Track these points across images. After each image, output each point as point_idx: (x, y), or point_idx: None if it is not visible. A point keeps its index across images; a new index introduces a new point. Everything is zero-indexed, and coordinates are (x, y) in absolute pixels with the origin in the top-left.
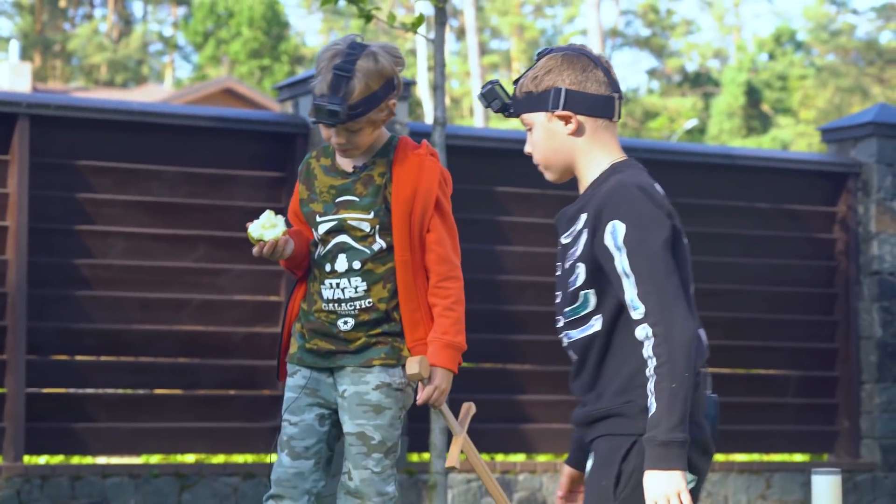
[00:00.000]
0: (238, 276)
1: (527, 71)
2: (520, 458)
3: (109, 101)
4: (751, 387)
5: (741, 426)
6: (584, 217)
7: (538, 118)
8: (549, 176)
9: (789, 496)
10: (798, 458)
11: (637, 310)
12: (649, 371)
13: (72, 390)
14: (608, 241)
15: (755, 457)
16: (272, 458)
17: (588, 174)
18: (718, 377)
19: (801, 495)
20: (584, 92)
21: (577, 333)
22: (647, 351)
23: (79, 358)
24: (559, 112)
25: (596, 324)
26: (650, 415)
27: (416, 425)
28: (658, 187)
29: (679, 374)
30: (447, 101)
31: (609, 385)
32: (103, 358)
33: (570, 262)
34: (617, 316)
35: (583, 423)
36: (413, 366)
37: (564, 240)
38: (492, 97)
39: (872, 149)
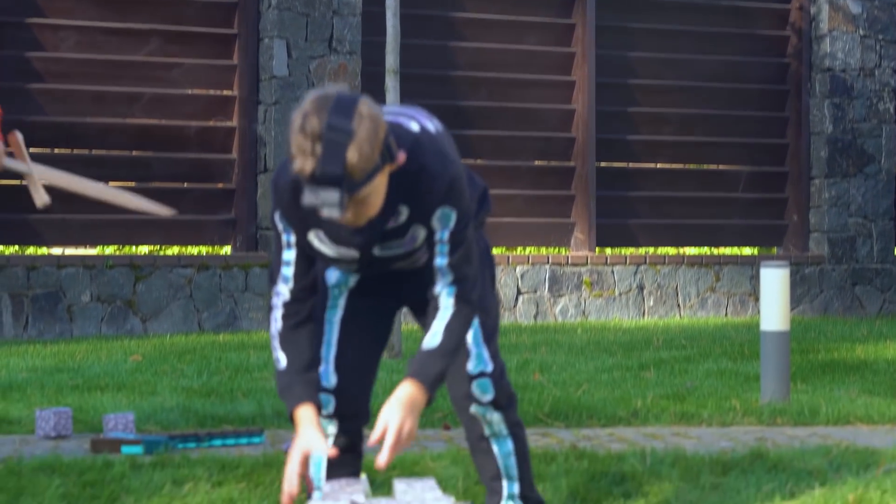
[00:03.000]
0: (191, 70)
1: (332, 151)
2: None
3: None
4: (702, 182)
5: (692, 220)
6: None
7: (379, 180)
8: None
9: (738, 288)
10: (747, 251)
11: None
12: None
13: (25, 182)
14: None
15: (705, 250)
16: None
17: None
18: (670, 173)
19: (749, 287)
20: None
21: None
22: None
23: (32, 150)
24: (400, 156)
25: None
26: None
27: None
28: None
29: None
30: None
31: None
32: (57, 150)
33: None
34: None
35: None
36: None
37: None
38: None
39: None
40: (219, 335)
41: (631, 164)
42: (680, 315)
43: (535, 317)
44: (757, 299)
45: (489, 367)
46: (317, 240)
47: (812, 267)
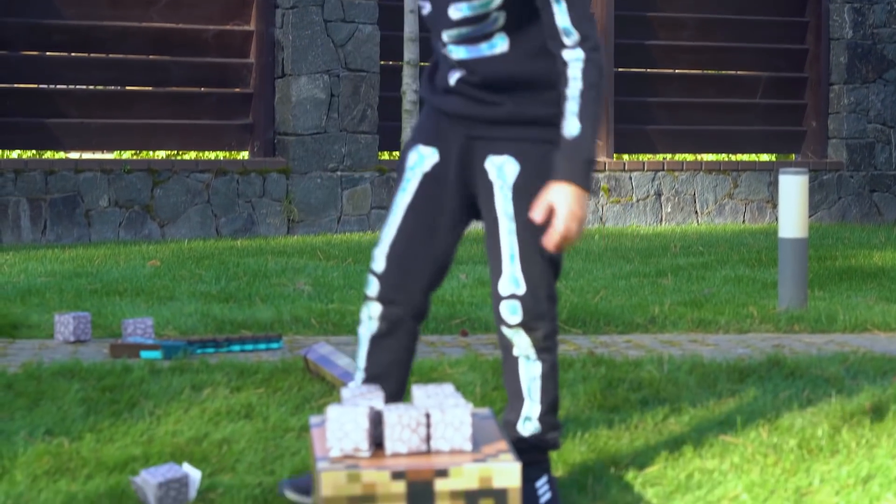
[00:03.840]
0: None
1: None
2: None
3: None
4: (720, 87)
5: (710, 126)
6: None
7: None
8: None
9: (756, 195)
10: (765, 157)
11: (571, 35)
12: (571, 91)
13: (43, 86)
14: None
15: (723, 157)
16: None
17: None
18: (689, 78)
19: (767, 194)
20: None
21: (477, 52)
22: (575, 72)
23: (49, 54)
24: None
25: (501, 43)
26: (572, 132)
27: (387, 124)
28: None
29: (602, 99)
30: None
31: (528, 94)
32: (74, 54)
33: None
34: (525, 37)
35: (497, 121)
36: None
37: None
38: None
39: None
40: (236, 240)
41: (649, 70)
42: (697, 222)
43: None
44: (774, 206)
45: (520, 290)
46: None
47: (830, 173)
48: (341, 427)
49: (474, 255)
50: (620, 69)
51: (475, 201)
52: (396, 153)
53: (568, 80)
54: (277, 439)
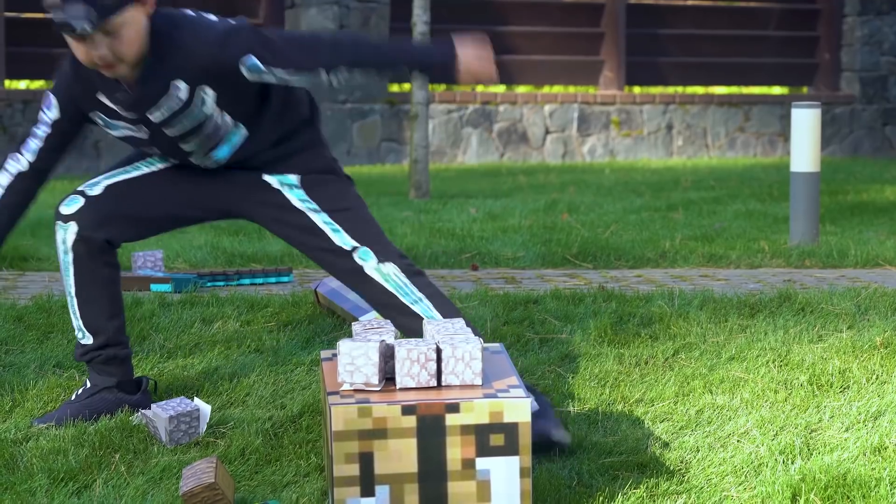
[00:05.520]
0: None
1: None
2: (500, 89)
3: None
4: (732, 19)
5: (721, 59)
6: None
7: (131, 16)
8: (123, 71)
9: (767, 128)
10: (777, 90)
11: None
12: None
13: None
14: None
15: (734, 89)
16: None
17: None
18: (701, 10)
19: (779, 127)
20: None
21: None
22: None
23: None
24: None
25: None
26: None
27: None
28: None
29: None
30: None
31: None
32: None
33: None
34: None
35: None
36: None
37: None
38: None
39: None
40: None
41: (661, 2)
42: (708, 155)
43: (563, 156)
44: (786, 139)
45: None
46: (101, 121)
47: (842, 107)
48: (352, 361)
49: (485, 189)
50: (632, 1)
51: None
52: (407, 85)
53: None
54: (288, 373)
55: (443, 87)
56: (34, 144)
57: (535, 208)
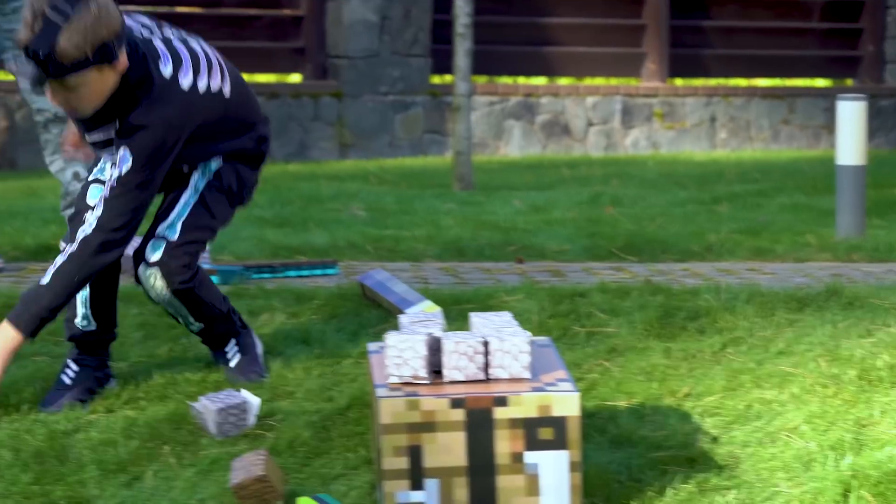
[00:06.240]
0: None
1: (50, 31)
2: (542, 81)
3: None
4: (776, 11)
5: (765, 51)
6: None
7: (93, 76)
8: (83, 115)
9: (812, 121)
10: (821, 83)
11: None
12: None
13: None
14: None
15: (778, 81)
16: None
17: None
18: (743, 1)
19: (823, 120)
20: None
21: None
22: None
23: None
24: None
25: None
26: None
27: (439, 47)
28: None
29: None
30: None
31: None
32: None
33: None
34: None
35: None
36: None
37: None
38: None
39: None
40: (289, 164)
41: None
42: (752, 148)
43: (606, 149)
44: (830, 132)
45: (173, 237)
46: None
47: (888, 99)
48: (400, 354)
49: (528, 181)
50: None
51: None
52: (449, 77)
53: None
54: (335, 366)
55: (485, 78)
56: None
57: (580, 201)
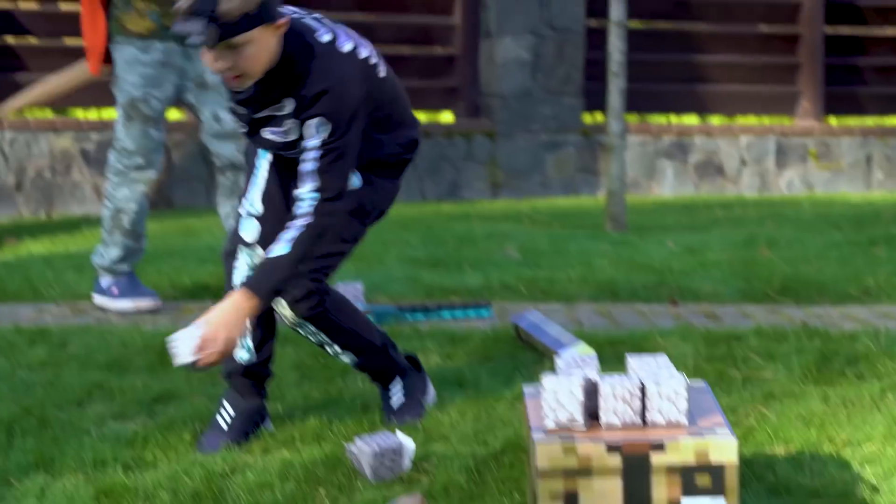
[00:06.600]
0: None
1: None
2: (694, 119)
3: None
4: None
5: None
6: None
7: (258, 35)
8: (248, 83)
9: None
10: None
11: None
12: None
13: None
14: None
15: None
16: None
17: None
18: None
19: None
20: None
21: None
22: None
23: None
24: (280, 22)
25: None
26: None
27: (591, 85)
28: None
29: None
30: None
31: None
32: None
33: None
34: None
35: None
36: None
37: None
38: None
39: None
40: (441, 204)
41: (860, 30)
42: None
43: (760, 189)
44: None
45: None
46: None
47: None
48: (556, 398)
49: (682, 222)
50: (830, 30)
51: None
52: (600, 115)
53: (295, 209)
54: (489, 409)
55: (636, 116)
56: None
57: (734, 242)
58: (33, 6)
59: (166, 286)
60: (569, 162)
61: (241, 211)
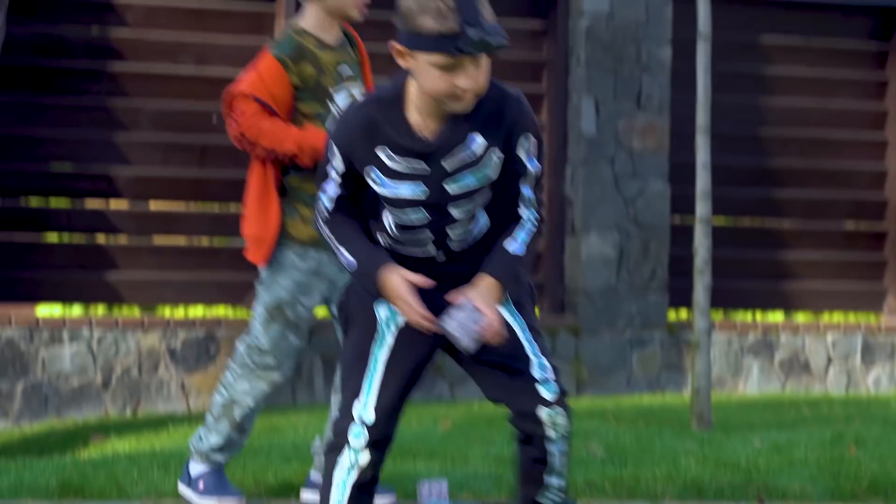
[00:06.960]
0: None
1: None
2: (779, 316)
3: None
4: None
5: None
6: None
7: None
8: (470, 105)
9: None
10: None
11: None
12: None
13: None
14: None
15: None
16: None
17: None
18: None
19: None
20: None
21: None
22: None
23: None
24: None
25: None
26: (514, 250)
27: (677, 281)
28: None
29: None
30: None
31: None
32: None
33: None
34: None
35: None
36: None
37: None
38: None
39: None
40: None
41: None
42: None
43: (847, 387)
44: None
45: (548, 373)
46: (385, 156)
47: None
48: None
49: (768, 420)
50: None
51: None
52: (684, 312)
53: (521, 220)
54: None
55: (720, 313)
56: (332, 191)
57: (821, 440)
58: (124, 206)
59: (251, 483)
60: (654, 359)
61: (354, 414)
